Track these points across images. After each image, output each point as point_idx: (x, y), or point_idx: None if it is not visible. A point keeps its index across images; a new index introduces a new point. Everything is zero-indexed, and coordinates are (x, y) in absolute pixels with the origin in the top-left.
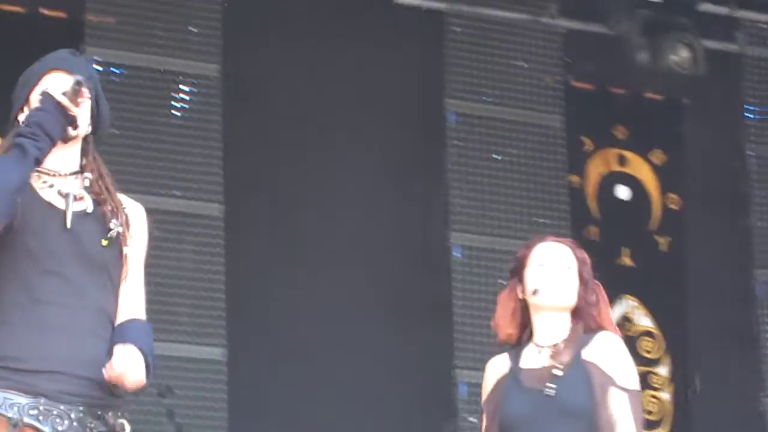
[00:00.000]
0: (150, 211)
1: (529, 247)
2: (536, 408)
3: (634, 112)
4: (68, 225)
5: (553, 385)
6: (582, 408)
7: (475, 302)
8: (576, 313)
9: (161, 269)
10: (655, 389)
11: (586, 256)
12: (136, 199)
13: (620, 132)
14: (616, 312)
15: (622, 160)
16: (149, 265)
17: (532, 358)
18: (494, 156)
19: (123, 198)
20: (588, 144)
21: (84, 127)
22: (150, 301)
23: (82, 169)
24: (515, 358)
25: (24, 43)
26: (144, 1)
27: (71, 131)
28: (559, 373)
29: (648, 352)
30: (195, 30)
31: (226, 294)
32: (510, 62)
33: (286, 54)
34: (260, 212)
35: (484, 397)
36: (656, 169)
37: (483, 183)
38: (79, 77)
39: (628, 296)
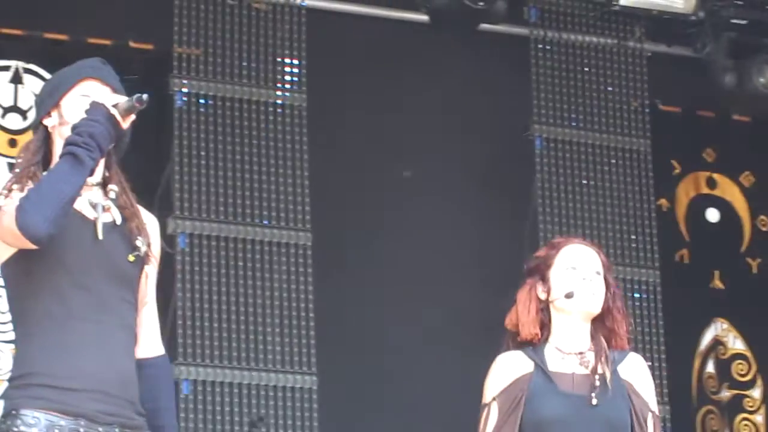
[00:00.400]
0: (240, 241)
1: (554, 247)
2: (577, 414)
3: (722, 134)
4: (100, 236)
5: (595, 395)
6: (625, 423)
7: None
8: (597, 319)
9: (251, 298)
10: (749, 412)
11: (608, 260)
12: (226, 230)
13: (709, 155)
14: (707, 336)
15: (711, 183)
16: (240, 295)
17: (558, 362)
18: (582, 181)
19: (140, 209)
20: (677, 167)
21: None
22: (240, 331)
23: (104, 181)
24: (539, 359)
25: None
26: (230, 33)
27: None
28: (602, 384)
29: (741, 374)
30: (280, 60)
31: (316, 322)
32: (596, 86)
33: (370, 81)
34: (347, 239)
35: (495, 390)
36: (746, 191)
37: (571, 208)
38: (144, 96)
39: (720, 319)
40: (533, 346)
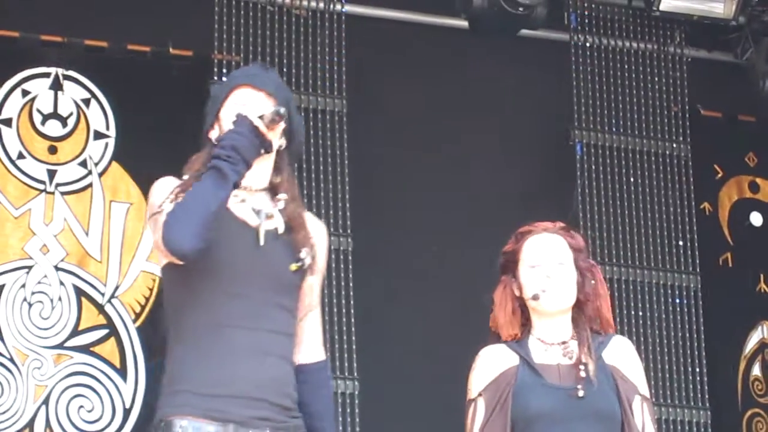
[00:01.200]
0: None
1: (518, 241)
2: (565, 407)
3: (764, 139)
4: (261, 242)
5: (581, 386)
6: (613, 412)
7: None
8: (576, 305)
9: None
10: None
11: (579, 240)
12: None
13: (751, 159)
14: (753, 339)
15: (754, 187)
16: None
17: (542, 354)
18: (623, 186)
19: (308, 216)
20: (719, 171)
21: (276, 142)
22: None
23: (272, 186)
24: (524, 352)
25: (153, 81)
26: (270, 39)
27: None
28: (587, 375)
29: None
30: (320, 66)
31: (356, 327)
32: (636, 92)
33: (410, 88)
34: (388, 244)
35: (481, 384)
36: None
37: (612, 213)
38: (282, 110)
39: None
40: (516, 340)
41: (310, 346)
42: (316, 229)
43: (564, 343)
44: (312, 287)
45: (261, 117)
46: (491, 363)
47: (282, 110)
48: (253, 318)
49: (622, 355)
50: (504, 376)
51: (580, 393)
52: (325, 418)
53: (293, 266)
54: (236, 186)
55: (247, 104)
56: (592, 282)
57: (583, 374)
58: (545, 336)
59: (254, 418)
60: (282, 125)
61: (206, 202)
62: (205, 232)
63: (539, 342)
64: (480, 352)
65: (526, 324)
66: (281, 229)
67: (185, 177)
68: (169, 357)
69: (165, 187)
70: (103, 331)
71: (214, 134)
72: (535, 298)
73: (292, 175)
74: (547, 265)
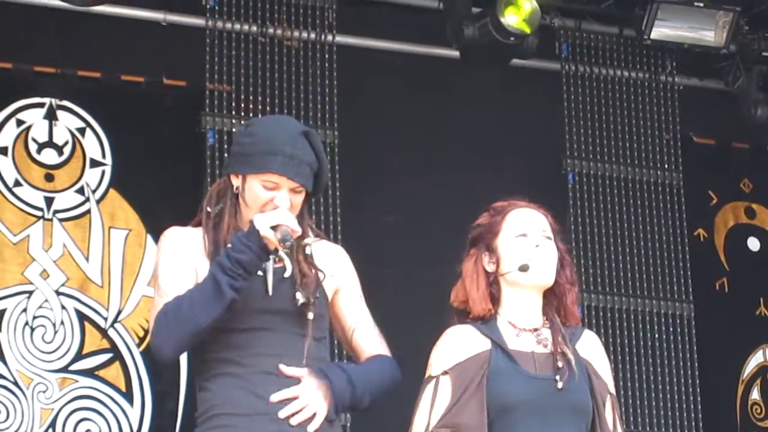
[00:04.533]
0: None
1: (499, 213)
2: (543, 397)
3: (758, 165)
4: (270, 291)
5: (560, 378)
6: (587, 407)
7: None
8: (547, 291)
9: None
10: None
11: (556, 223)
12: None
13: (746, 185)
14: (752, 363)
15: (750, 213)
16: None
17: (514, 339)
18: (615, 215)
19: (323, 245)
20: (714, 198)
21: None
22: None
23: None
24: (496, 336)
25: (148, 110)
26: (261, 70)
27: None
28: (565, 365)
29: None
30: (312, 97)
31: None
32: (628, 120)
33: (402, 117)
34: (381, 275)
35: (446, 363)
36: None
37: (604, 243)
38: (290, 242)
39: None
40: (483, 321)
41: (370, 351)
42: (333, 255)
43: (536, 330)
44: (347, 308)
45: (275, 228)
46: (460, 344)
47: (291, 242)
48: (279, 346)
49: (595, 350)
50: (475, 360)
51: (559, 384)
52: (343, 369)
53: (311, 316)
54: (233, 301)
55: (275, 193)
56: (569, 270)
57: (560, 364)
58: (516, 319)
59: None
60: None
61: (197, 318)
62: (190, 343)
63: (510, 326)
64: (447, 330)
65: (494, 305)
66: (287, 273)
67: (209, 210)
68: (200, 393)
69: (173, 249)
70: (107, 355)
71: (236, 182)
72: (524, 268)
73: (307, 216)
74: (537, 235)
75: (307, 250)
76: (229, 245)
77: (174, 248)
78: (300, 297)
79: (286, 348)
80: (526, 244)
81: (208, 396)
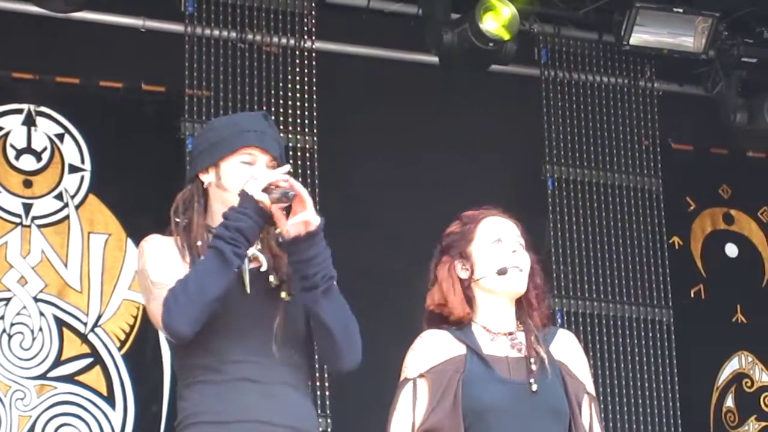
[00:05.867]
0: None
1: (472, 221)
2: (518, 401)
3: (737, 171)
4: (248, 290)
5: (534, 380)
6: (564, 409)
7: None
8: (519, 297)
9: None
10: None
11: (525, 231)
12: None
13: (724, 191)
14: (727, 370)
15: (728, 219)
16: None
17: (489, 344)
18: (595, 221)
19: None
20: (692, 204)
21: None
22: None
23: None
24: (470, 341)
25: (127, 116)
26: (240, 77)
27: None
28: (539, 367)
29: None
30: (291, 103)
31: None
32: (607, 126)
33: (381, 123)
34: (358, 283)
35: (422, 366)
36: (764, 227)
37: (584, 248)
38: (291, 193)
39: (745, 352)
40: (458, 327)
41: None
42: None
43: (511, 334)
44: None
45: (266, 190)
46: (435, 348)
47: (291, 193)
48: (257, 353)
49: (570, 350)
50: (450, 363)
51: (534, 387)
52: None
53: (285, 296)
54: (239, 269)
55: (253, 165)
56: (538, 278)
57: (534, 367)
58: (491, 324)
59: None
60: (287, 204)
61: (207, 289)
62: (205, 317)
63: (484, 330)
64: (422, 333)
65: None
66: (264, 267)
67: (177, 220)
68: (180, 397)
69: (156, 250)
70: (87, 360)
71: (207, 178)
72: (502, 272)
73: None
74: (512, 241)
75: (258, 245)
76: (225, 219)
77: (158, 249)
78: (273, 279)
79: (263, 355)
80: (502, 249)
81: (185, 405)
